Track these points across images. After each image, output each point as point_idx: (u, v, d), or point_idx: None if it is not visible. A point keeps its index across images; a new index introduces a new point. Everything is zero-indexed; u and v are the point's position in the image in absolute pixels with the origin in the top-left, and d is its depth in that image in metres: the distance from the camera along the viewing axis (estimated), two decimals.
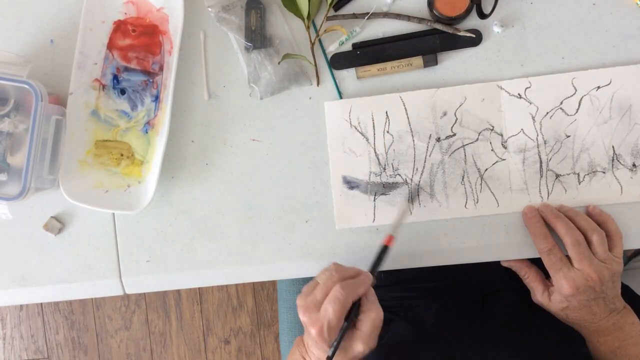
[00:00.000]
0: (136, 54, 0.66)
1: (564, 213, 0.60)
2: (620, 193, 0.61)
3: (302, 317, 0.53)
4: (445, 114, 0.63)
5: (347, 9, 0.64)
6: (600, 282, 0.56)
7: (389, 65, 0.63)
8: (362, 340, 0.52)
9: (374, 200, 0.64)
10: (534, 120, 0.62)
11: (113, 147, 0.66)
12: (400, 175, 0.64)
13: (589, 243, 0.58)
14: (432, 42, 0.62)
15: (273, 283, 1.59)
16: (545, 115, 0.62)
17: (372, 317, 0.53)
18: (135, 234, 0.68)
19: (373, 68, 0.63)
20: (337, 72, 0.65)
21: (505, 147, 0.63)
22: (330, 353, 0.52)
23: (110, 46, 0.66)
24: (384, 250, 0.59)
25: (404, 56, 0.63)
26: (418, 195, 0.63)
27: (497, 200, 0.63)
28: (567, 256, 0.58)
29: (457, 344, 0.64)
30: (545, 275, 0.62)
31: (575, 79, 0.61)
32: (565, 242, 0.58)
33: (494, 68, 0.63)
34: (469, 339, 0.65)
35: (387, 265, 0.64)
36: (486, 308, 0.71)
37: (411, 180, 0.64)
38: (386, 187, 0.64)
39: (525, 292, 0.66)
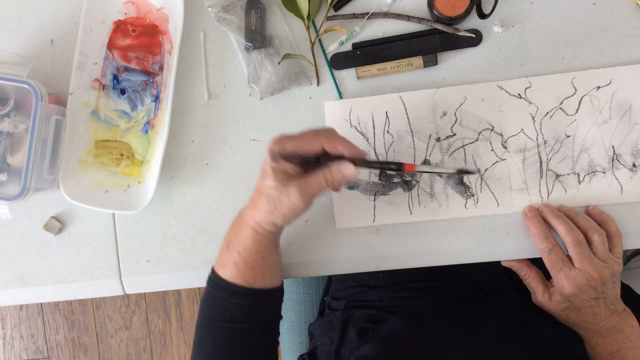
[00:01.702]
0: (136, 54, 0.66)
1: (564, 213, 0.60)
2: (620, 193, 0.61)
3: (272, 139, 0.53)
4: (445, 114, 0.63)
5: (347, 9, 0.64)
6: (601, 281, 0.56)
7: (389, 65, 0.63)
8: (299, 185, 0.51)
9: (374, 200, 0.64)
10: (534, 120, 0.62)
11: (113, 147, 0.66)
12: (400, 175, 0.64)
13: (589, 243, 0.58)
14: (432, 42, 0.62)
15: None
16: (545, 115, 0.62)
17: (322, 176, 0.52)
18: (135, 234, 0.68)
19: (373, 68, 0.63)
20: (337, 72, 0.65)
21: (505, 147, 0.63)
22: (278, 151, 0.51)
23: (110, 46, 0.66)
24: (398, 167, 0.55)
25: (404, 56, 0.63)
26: (465, 177, 0.60)
27: (497, 200, 0.63)
28: (568, 256, 0.58)
29: (453, 339, 0.64)
30: (546, 276, 0.62)
31: (575, 79, 0.61)
32: (565, 242, 0.58)
33: (494, 68, 0.63)
34: (465, 335, 0.64)
35: (388, 265, 0.65)
36: (485, 306, 0.71)
37: (411, 180, 0.64)
38: (386, 187, 0.64)
39: (524, 292, 0.66)
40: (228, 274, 0.57)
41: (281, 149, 0.52)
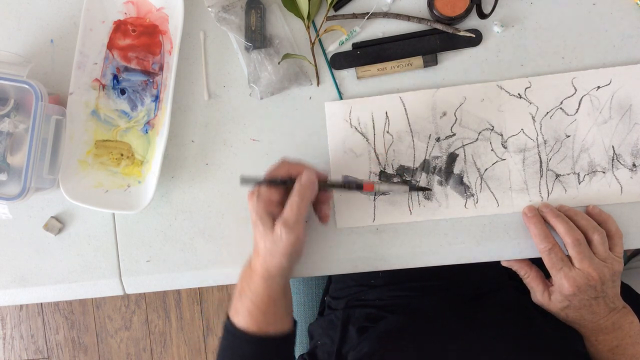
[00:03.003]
0: (136, 54, 0.66)
1: (564, 213, 0.60)
2: (620, 193, 0.61)
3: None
4: (445, 114, 0.63)
5: (347, 9, 0.64)
6: (601, 281, 0.56)
7: (389, 65, 0.63)
8: (281, 218, 0.54)
9: (374, 200, 0.64)
10: (534, 120, 0.62)
11: (113, 147, 0.66)
12: (400, 175, 0.64)
13: (589, 242, 0.58)
14: (432, 42, 0.63)
15: None
16: (545, 115, 0.62)
17: (293, 198, 0.55)
18: (135, 234, 0.68)
19: (373, 68, 0.63)
20: (337, 72, 0.65)
21: (505, 147, 0.63)
22: (246, 177, 0.57)
23: (110, 46, 0.66)
24: (357, 187, 0.59)
25: (404, 56, 0.63)
26: (420, 190, 0.63)
27: (497, 200, 0.63)
28: (568, 256, 0.58)
29: (452, 335, 0.64)
30: (546, 275, 0.62)
31: (575, 79, 0.61)
32: (565, 242, 0.58)
33: (494, 68, 0.63)
34: (465, 331, 0.65)
35: (388, 265, 0.65)
36: (484, 304, 0.71)
37: (411, 180, 0.64)
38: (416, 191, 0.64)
39: (524, 291, 0.66)
40: (242, 321, 0.59)
41: (255, 180, 0.57)
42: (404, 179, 0.64)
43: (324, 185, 0.58)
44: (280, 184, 0.56)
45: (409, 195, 0.64)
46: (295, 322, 0.63)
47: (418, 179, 0.63)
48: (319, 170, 0.59)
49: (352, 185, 0.59)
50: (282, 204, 0.56)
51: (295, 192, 0.55)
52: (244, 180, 0.57)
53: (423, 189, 0.63)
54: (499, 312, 0.68)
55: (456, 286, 0.77)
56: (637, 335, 0.59)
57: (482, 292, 0.75)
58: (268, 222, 0.55)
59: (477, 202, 0.63)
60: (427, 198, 0.63)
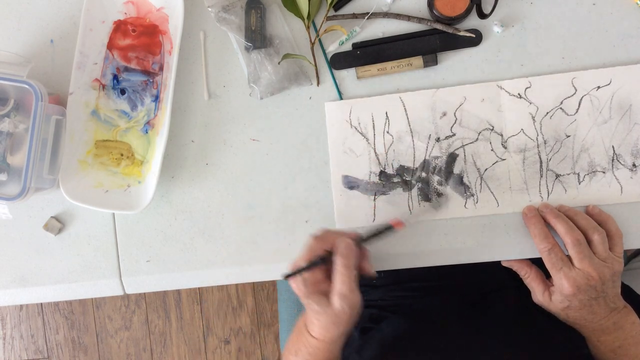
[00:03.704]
0: (136, 54, 0.66)
1: (564, 213, 0.60)
2: (620, 193, 0.61)
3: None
4: (445, 114, 0.63)
5: (347, 9, 0.64)
6: (601, 281, 0.56)
7: (389, 65, 0.63)
8: (335, 293, 0.54)
9: (374, 200, 0.64)
10: (534, 120, 0.62)
11: (113, 147, 0.66)
12: (400, 175, 0.64)
13: (589, 242, 0.58)
14: (432, 42, 0.62)
15: (273, 283, 1.59)
16: (545, 115, 0.62)
17: (339, 269, 0.54)
18: (135, 234, 0.68)
19: (373, 68, 0.63)
20: (337, 72, 0.65)
21: (505, 147, 0.63)
22: (288, 273, 0.56)
23: (110, 46, 0.66)
24: (388, 229, 0.59)
25: (404, 56, 0.63)
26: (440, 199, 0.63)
27: (497, 200, 0.63)
28: (568, 256, 0.58)
29: (455, 338, 0.64)
30: (546, 275, 0.62)
31: (575, 79, 0.61)
32: (565, 242, 0.58)
33: (494, 68, 0.63)
34: (467, 335, 0.65)
35: (388, 265, 0.65)
36: (486, 306, 0.71)
37: (411, 180, 0.64)
38: (386, 187, 0.64)
39: (525, 291, 0.66)
40: None
41: (296, 269, 0.56)
42: (404, 179, 0.64)
43: (359, 244, 0.58)
44: (320, 263, 0.56)
45: (409, 195, 0.64)
46: None
47: (418, 179, 0.63)
48: (348, 232, 0.58)
49: (382, 230, 0.59)
50: (328, 277, 0.56)
51: (340, 265, 0.54)
52: (288, 276, 0.56)
53: (444, 204, 0.63)
54: (501, 314, 0.68)
55: (458, 286, 0.77)
56: (638, 335, 0.59)
57: (484, 292, 0.75)
58: (323, 301, 0.55)
59: (477, 202, 0.63)
60: (428, 199, 0.63)
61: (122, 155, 0.66)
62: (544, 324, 0.65)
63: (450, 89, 0.63)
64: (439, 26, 0.62)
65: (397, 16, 0.63)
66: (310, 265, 0.55)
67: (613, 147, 0.61)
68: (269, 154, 0.66)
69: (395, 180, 0.64)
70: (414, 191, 0.64)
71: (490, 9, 0.60)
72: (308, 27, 0.64)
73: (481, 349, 0.62)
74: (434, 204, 0.62)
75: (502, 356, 0.60)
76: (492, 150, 0.63)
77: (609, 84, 0.61)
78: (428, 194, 0.63)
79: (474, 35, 0.61)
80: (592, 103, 0.61)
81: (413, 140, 0.64)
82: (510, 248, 0.63)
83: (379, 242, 0.60)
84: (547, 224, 0.60)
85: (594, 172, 0.61)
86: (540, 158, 0.62)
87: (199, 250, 0.67)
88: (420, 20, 0.62)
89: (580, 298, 0.58)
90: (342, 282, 0.54)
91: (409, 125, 0.64)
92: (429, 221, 0.63)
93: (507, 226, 0.63)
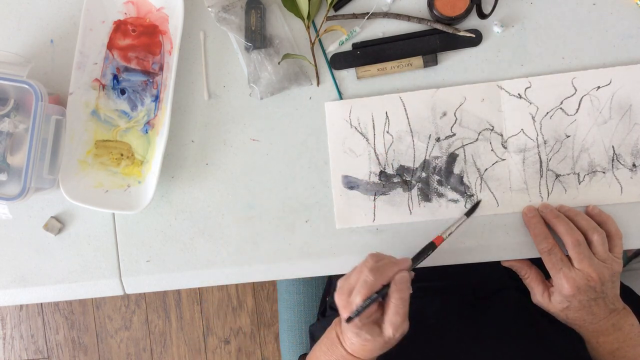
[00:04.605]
0: (136, 54, 0.66)
1: (564, 213, 0.60)
2: (620, 193, 0.61)
3: (337, 299, 0.56)
4: (445, 114, 0.63)
5: (347, 9, 0.64)
6: (601, 282, 0.56)
7: (389, 65, 0.63)
8: (389, 323, 0.54)
9: (374, 200, 0.64)
10: (534, 120, 0.62)
11: (113, 147, 0.66)
12: (400, 175, 0.64)
13: (589, 243, 0.58)
14: (432, 42, 0.62)
15: (273, 283, 1.59)
16: (545, 115, 0.62)
17: (395, 302, 0.54)
18: (135, 234, 0.68)
19: (373, 68, 0.63)
20: (337, 72, 0.65)
21: (505, 147, 0.63)
22: (351, 315, 0.54)
23: (110, 46, 0.66)
24: (430, 247, 0.59)
25: (404, 56, 0.63)
26: (476, 206, 0.63)
27: (497, 200, 0.63)
28: (568, 256, 0.58)
29: (455, 341, 0.64)
30: (546, 276, 0.62)
31: (575, 79, 0.61)
32: (565, 242, 0.58)
33: (494, 68, 0.63)
34: (468, 336, 0.64)
35: None
36: (486, 307, 0.71)
37: (411, 180, 0.64)
38: (386, 187, 0.64)
39: (525, 292, 0.66)
40: None
41: (358, 308, 0.54)
42: (404, 179, 0.64)
43: (411, 268, 0.57)
44: (378, 298, 0.54)
45: (409, 195, 0.64)
46: None
47: (418, 179, 0.63)
48: (400, 260, 0.57)
49: (426, 251, 0.59)
50: (380, 304, 0.55)
51: (397, 298, 0.54)
52: (350, 319, 0.55)
53: (474, 208, 0.62)
54: (500, 315, 0.68)
55: (457, 287, 0.77)
56: (637, 337, 0.59)
57: (484, 293, 0.75)
58: (375, 330, 0.54)
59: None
60: (428, 199, 0.63)
61: (122, 155, 0.66)
62: (545, 328, 0.65)
63: (450, 89, 0.63)
64: (439, 26, 0.62)
65: (397, 16, 0.63)
66: (370, 303, 0.54)
67: (613, 147, 0.61)
68: (269, 154, 0.66)
69: (395, 180, 0.64)
70: (414, 191, 0.64)
71: (490, 9, 0.60)
72: (308, 27, 0.64)
73: (480, 350, 0.62)
74: (466, 211, 0.62)
75: (501, 357, 0.60)
76: (492, 150, 0.63)
77: (609, 84, 0.61)
78: (428, 194, 0.63)
79: (474, 35, 0.61)
80: (592, 103, 0.61)
81: (413, 140, 0.64)
82: (510, 248, 0.63)
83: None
84: (547, 224, 0.60)
85: (594, 172, 0.61)
86: (540, 158, 0.62)
87: (199, 250, 0.67)
88: (420, 20, 0.62)
89: (579, 299, 0.57)
90: (397, 312, 0.54)
91: (409, 125, 0.64)
92: (429, 221, 0.63)
93: (507, 226, 0.63)
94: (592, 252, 0.57)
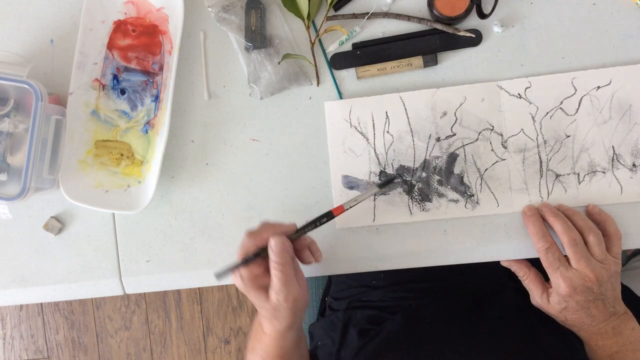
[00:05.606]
0: (136, 54, 0.66)
1: (563, 212, 0.60)
2: (620, 193, 0.61)
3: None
4: (445, 114, 0.63)
5: (347, 9, 0.64)
6: (598, 282, 0.56)
7: (389, 65, 0.63)
8: (271, 288, 0.55)
9: (374, 200, 0.64)
10: (534, 120, 0.62)
11: (113, 147, 0.66)
12: (400, 175, 0.64)
13: (585, 243, 0.58)
14: (432, 42, 0.63)
15: None
16: (545, 115, 0.62)
17: (272, 265, 0.55)
18: (135, 234, 0.68)
19: (373, 68, 0.63)
20: (337, 72, 0.65)
21: (505, 147, 0.63)
22: (218, 271, 0.56)
23: (110, 46, 0.66)
24: (327, 215, 0.59)
25: (404, 56, 0.63)
26: (391, 183, 0.62)
27: (497, 200, 0.63)
28: (566, 256, 0.58)
29: (453, 341, 0.64)
30: (545, 278, 0.62)
31: (575, 79, 0.61)
32: (562, 241, 0.58)
33: (494, 68, 0.63)
34: (465, 337, 0.64)
35: (388, 265, 0.65)
36: (484, 308, 0.71)
37: (411, 180, 0.64)
38: (386, 187, 0.64)
39: (524, 294, 0.66)
40: None
41: (227, 267, 0.56)
42: (404, 178, 0.64)
43: (295, 236, 0.57)
44: (254, 258, 0.56)
45: (409, 195, 0.64)
46: None
47: (418, 180, 0.63)
48: (284, 223, 0.58)
49: (321, 219, 0.58)
50: (267, 269, 0.56)
51: (273, 261, 0.55)
52: (220, 275, 0.56)
53: (390, 180, 0.62)
54: (499, 319, 0.68)
55: (457, 287, 0.77)
56: (638, 342, 0.58)
57: (484, 293, 0.75)
58: (261, 295, 0.55)
59: (477, 202, 0.63)
60: (428, 199, 0.63)
61: (122, 155, 0.66)
62: (543, 328, 0.65)
63: (450, 88, 0.63)
64: (439, 26, 0.62)
65: (397, 16, 0.63)
66: (244, 262, 0.55)
67: (613, 147, 0.61)
68: (269, 154, 0.66)
69: (396, 180, 0.64)
70: (414, 191, 0.64)
71: (490, 9, 0.60)
72: (308, 27, 0.64)
73: (479, 351, 0.62)
74: (379, 183, 0.62)
75: (500, 358, 0.60)
76: (492, 150, 0.63)
77: (609, 84, 0.61)
78: (428, 194, 0.63)
79: (474, 35, 0.61)
80: (592, 103, 0.61)
81: (413, 140, 0.64)
82: (510, 248, 0.63)
83: (313, 231, 0.59)
84: (547, 224, 0.60)
85: (594, 172, 0.61)
86: (540, 158, 0.62)
87: (199, 250, 0.67)
88: (420, 20, 0.62)
89: (577, 299, 0.57)
90: (277, 277, 0.54)
91: (409, 125, 0.64)
92: (429, 221, 0.63)
93: (507, 226, 0.63)
94: (589, 252, 0.57)
